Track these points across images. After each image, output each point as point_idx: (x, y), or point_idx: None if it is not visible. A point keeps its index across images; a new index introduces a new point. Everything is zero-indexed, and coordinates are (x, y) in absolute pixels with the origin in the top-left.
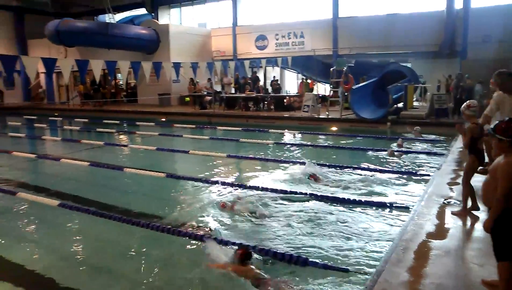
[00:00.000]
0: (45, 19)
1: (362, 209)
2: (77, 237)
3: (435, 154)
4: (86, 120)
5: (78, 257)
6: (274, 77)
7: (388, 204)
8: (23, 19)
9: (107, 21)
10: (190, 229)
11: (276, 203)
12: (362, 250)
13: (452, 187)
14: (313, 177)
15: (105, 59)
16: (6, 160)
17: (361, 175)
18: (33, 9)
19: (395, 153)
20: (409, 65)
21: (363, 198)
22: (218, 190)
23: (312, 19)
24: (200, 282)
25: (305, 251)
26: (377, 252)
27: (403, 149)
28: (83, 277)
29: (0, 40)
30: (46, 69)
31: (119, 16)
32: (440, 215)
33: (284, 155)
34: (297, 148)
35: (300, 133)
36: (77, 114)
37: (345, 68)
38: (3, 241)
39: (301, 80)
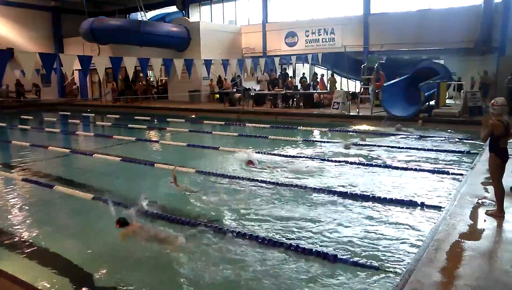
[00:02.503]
0: (80, 18)
1: (392, 207)
2: (109, 230)
3: (468, 153)
4: (118, 116)
5: (110, 249)
6: (303, 74)
7: (420, 203)
8: (59, 19)
9: (139, 19)
10: (224, 225)
11: (308, 200)
12: (392, 248)
13: (486, 187)
14: (251, 163)
15: (137, 56)
16: (43, 155)
17: (390, 173)
18: (69, 9)
19: (351, 146)
20: (441, 62)
21: (394, 196)
22: (250, 186)
23: (343, 15)
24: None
25: (334, 247)
26: (407, 251)
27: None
28: (115, 269)
29: (39, 39)
30: (82, 66)
31: (151, 14)
32: (474, 216)
33: (315, 152)
34: (329, 145)
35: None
36: (109, 110)
37: (376, 65)
38: (41, 232)
39: (320, 76)
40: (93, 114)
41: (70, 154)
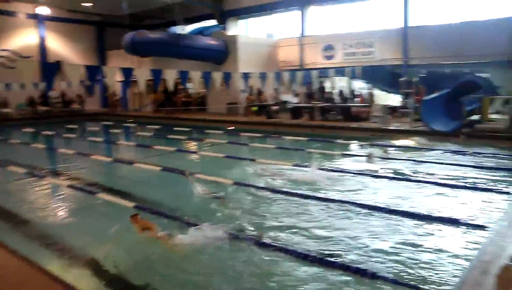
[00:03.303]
0: (122, 31)
1: (434, 225)
2: (151, 239)
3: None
4: (158, 127)
5: (153, 257)
6: (341, 87)
7: (463, 222)
8: (103, 32)
9: (178, 33)
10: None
11: (345, 215)
12: (434, 268)
13: None
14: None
15: (176, 69)
16: (85, 163)
17: (430, 189)
18: (112, 23)
19: (373, 157)
20: (486, 75)
21: (435, 214)
22: (286, 199)
23: (382, 28)
24: None
25: (373, 264)
26: (451, 272)
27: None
28: (155, 277)
29: (85, 51)
30: (124, 78)
31: (190, 28)
32: None
33: (352, 166)
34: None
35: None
36: (150, 121)
37: (416, 78)
38: (84, 238)
39: (359, 89)
40: (134, 125)
41: (112, 163)
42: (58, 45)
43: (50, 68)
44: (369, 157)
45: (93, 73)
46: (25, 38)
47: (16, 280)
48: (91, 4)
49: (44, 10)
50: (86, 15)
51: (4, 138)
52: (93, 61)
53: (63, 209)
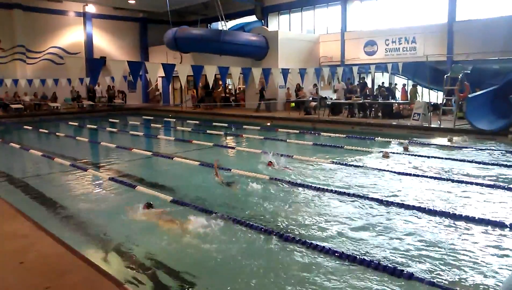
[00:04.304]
0: (164, 27)
1: (475, 227)
2: (188, 232)
3: None
4: (197, 122)
5: (192, 250)
6: (382, 83)
7: (508, 225)
8: (146, 29)
9: (219, 29)
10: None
11: (382, 213)
12: (474, 272)
13: None
14: (270, 164)
15: (216, 65)
16: (126, 156)
17: (473, 190)
18: (154, 19)
19: (388, 155)
20: None
21: (478, 215)
22: (326, 197)
23: (425, 23)
24: None
25: (410, 264)
26: (493, 276)
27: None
28: (197, 270)
29: (128, 48)
30: (165, 73)
31: (231, 24)
32: None
33: (391, 164)
34: (409, 157)
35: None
36: (189, 116)
37: (461, 75)
38: (122, 230)
39: (402, 85)
40: (174, 119)
41: (152, 157)
42: (103, 42)
43: (95, 64)
44: (384, 155)
45: (136, 68)
46: (73, 36)
47: (61, 267)
48: (134, 1)
49: (91, 8)
50: (130, 12)
51: (52, 131)
52: (136, 57)
53: (103, 200)
